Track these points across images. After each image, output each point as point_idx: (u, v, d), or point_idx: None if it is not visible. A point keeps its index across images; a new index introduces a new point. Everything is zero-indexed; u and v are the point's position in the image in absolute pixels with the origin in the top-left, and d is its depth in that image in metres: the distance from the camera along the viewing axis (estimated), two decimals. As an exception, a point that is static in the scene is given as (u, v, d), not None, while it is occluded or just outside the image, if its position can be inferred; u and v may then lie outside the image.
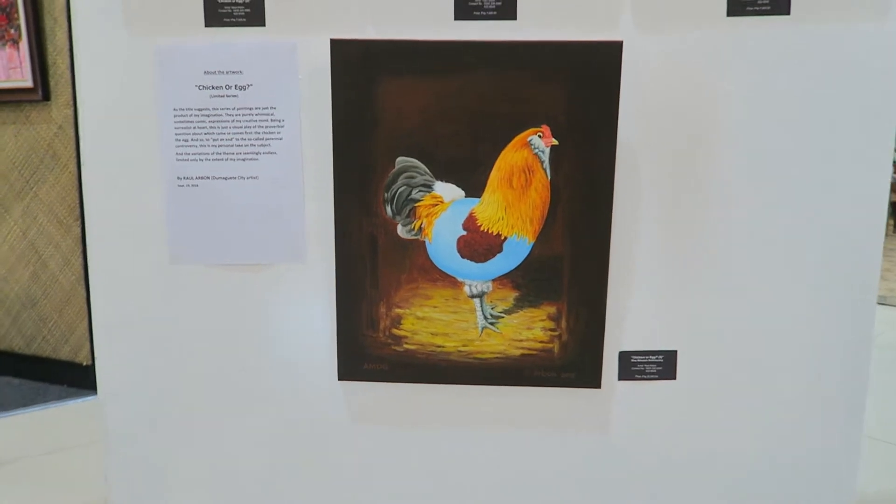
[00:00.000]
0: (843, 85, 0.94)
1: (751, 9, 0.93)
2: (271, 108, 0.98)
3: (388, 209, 0.97)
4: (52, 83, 2.47)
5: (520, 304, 1.00)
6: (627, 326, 1.02)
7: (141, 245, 1.02)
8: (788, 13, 0.93)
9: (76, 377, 2.64)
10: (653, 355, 1.03)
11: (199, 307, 1.04)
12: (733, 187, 0.97)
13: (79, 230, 2.56)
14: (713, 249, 0.99)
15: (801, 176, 0.96)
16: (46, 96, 2.47)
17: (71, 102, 2.46)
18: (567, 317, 0.99)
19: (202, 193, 1.01)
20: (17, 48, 2.45)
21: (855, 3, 0.92)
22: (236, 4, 0.96)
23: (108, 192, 1.02)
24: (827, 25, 0.93)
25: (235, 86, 0.98)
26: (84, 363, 2.63)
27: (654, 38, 0.94)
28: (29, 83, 2.46)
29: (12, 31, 2.44)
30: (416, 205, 0.97)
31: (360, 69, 0.93)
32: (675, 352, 1.03)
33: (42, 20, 2.42)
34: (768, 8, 0.93)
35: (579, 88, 0.92)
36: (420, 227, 0.98)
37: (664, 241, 0.99)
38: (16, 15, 2.41)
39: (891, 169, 0.98)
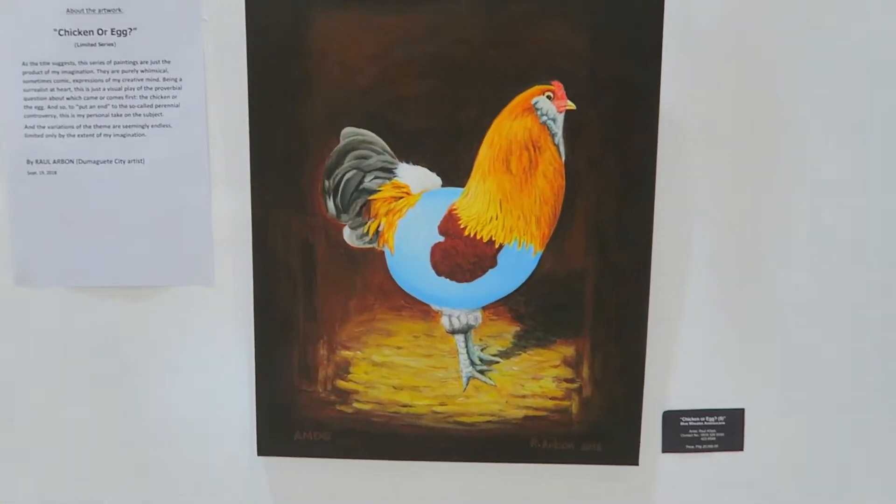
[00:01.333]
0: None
1: (848, -81, 0.65)
2: (164, 62, 0.68)
3: (331, 204, 0.67)
4: None
5: (522, 342, 0.69)
6: (675, 375, 0.71)
7: (-25, 259, 0.71)
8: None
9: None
10: (711, 416, 0.72)
11: (58, 349, 0.72)
12: (828, 178, 0.68)
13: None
14: (798, 264, 0.69)
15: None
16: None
17: None
18: (591, 361, 0.69)
19: (63, 184, 0.70)
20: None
21: None
22: (114, -87, 0.67)
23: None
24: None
25: (112, 30, 0.68)
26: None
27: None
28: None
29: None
30: (371, 198, 0.67)
31: (288, 0, 0.64)
32: (742, 411, 0.72)
33: None
34: (873, -82, 0.65)
35: (606, 29, 0.63)
36: (377, 231, 0.67)
37: (727, 251, 0.69)
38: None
39: None
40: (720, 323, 0.70)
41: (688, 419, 0.73)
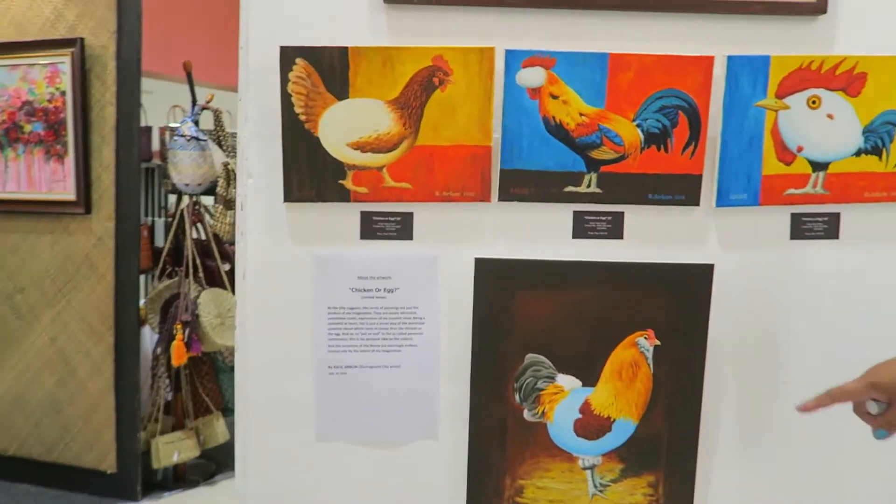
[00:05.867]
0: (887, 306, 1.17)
1: (809, 234, 1.16)
2: (414, 307, 1.15)
3: (517, 397, 1.14)
4: (94, 197, 2.57)
5: (625, 474, 1.17)
6: (712, 490, 1.20)
7: (290, 424, 1.16)
8: (838, 237, 1.16)
9: (100, 485, 2.64)
10: (731, 512, 1.21)
11: (341, 480, 1.17)
12: (802, 373, 1.18)
13: (111, 339, 2.61)
14: (787, 423, 1.19)
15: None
16: (88, 209, 2.56)
17: (113, 216, 2.56)
18: (664, 483, 1.17)
19: (350, 380, 1.15)
20: (62, 163, 2.55)
21: (889, 235, 1.16)
22: (388, 221, 1.14)
23: (263, 377, 1.15)
24: (874, 248, 1.16)
25: (384, 289, 1.14)
26: (108, 471, 2.64)
27: (733, 255, 1.15)
28: (72, 196, 2.55)
29: (58, 146, 2.54)
30: (541, 393, 1.14)
31: (498, 282, 1.11)
32: None
33: (90, 137, 2.54)
34: (822, 234, 1.16)
35: (678, 300, 1.13)
36: (543, 412, 1.15)
37: (745, 422, 1.19)
38: (64, 132, 2.52)
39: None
40: (741, 461, 1.19)
41: (717, 515, 1.21)
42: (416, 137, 1.10)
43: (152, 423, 2.57)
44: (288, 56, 1.07)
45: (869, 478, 1.21)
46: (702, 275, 1.12)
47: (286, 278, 1.14)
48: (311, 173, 1.11)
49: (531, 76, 1.08)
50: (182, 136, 2.56)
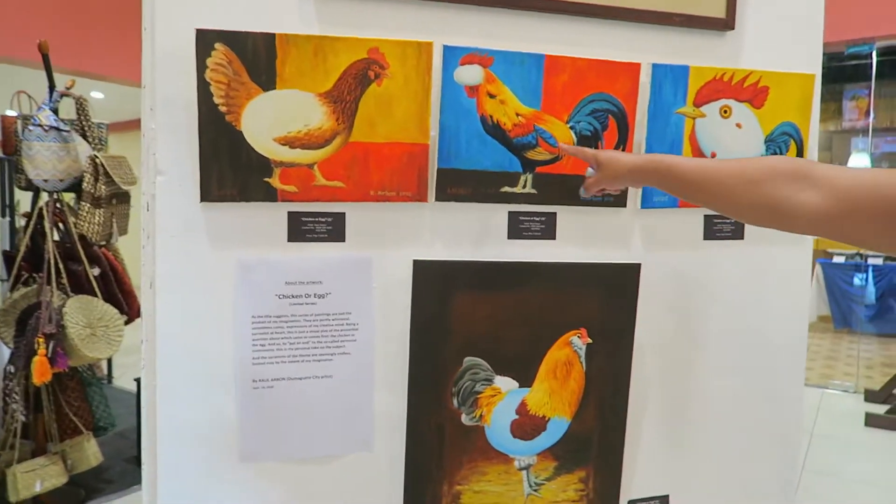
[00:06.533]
0: (773, 292, 1.28)
1: (719, 234, 1.24)
2: (347, 313, 1.08)
3: (455, 401, 1.11)
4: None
5: (558, 471, 1.18)
6: (636, 480, 1.25)
7: (209, 446, 1.05)
8: (742, 238, 1.25)
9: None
10: (651, 500, 1.27)
11: (268, 501, 1.08)
12: (714, 361, 1.26)
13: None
14: (704, 413, 1.26)
15: (757, 364, 1.28)
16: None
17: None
18: (594, 478, 1.20)
19: (277, 394, 1.06)
20: None
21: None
22: (319, 222, 1.06)
23: (176, 396, 1.03)
24: (771, 248, 1.26)
25: (315, 294, 1.07)
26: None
27: (655, 255, 1.20)
28: None
29: None
30: (479, 396, 1.12)
31: (437, 284, 1.08)
32: (667, 496, 1.28)
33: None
34: (730, 235, 1.24)
35: (608, 298, 1.15)
36: (481, 415, 1.13)
37: (667, 411, 1.25)
38: None
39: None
40: (658, 453, 1.25)
41: (640, 503, 1.26)
42: (349, 133, 1.03)
43: (7, 451, 2.25)
44: (206, 40, 0.97)
45: (775, 464, 1.32)
46: (630, 274, 1.16)
47: (203, 286, 1.03)
48: (232, 170, 1.01)
49: (469, 74, 1.05)
50: (39, 125, 2.26)
